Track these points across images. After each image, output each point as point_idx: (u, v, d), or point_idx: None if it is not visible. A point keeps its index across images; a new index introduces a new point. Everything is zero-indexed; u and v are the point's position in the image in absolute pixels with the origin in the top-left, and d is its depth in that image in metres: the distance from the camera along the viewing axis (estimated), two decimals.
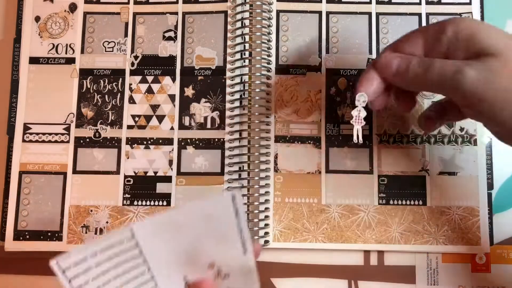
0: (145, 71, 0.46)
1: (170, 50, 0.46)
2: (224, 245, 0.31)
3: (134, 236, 0.29)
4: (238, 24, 0.45)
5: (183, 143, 0.45)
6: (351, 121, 0.36)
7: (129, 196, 0.44)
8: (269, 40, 0.45)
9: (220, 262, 0.31)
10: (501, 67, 0.29)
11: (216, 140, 0.44)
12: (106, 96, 0.46)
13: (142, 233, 0.29)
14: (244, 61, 0.45)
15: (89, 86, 0.46)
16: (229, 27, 0.46)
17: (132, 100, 0.45)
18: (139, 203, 0.44)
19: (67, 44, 0.46)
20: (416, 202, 0.43)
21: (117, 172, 0.44)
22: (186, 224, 0.30)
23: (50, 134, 0.45)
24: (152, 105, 0.45)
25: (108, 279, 0.30)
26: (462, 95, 0.30)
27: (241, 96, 0.44)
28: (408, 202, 0.43)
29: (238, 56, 0.45)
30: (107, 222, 0.44)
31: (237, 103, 0.44)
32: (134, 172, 0.44)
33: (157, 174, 0.44)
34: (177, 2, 0.46)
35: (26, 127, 0.45)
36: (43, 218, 0.44)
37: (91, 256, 0.28)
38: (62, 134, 0.45)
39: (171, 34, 0.46)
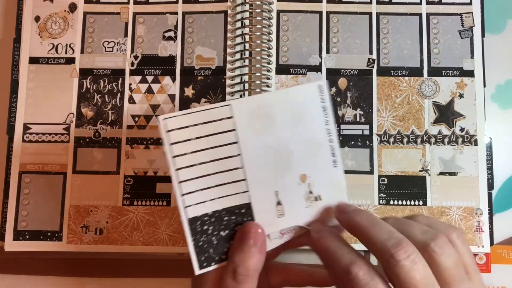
0: (145, 71, 0.46)
1: (170, 50, 0.46)
2: (313, 154, 0.30)
3: (233, 114, 0.29)
4: (238, 24, 0.45)
5: None
6: None
7: (129, 196, 0.44)
8: (269, 40, 0.45)
9: (311, 174, 0.30)
10: None
11: None
12: (106, 96, 0.45)
13: (239, 113, 0.29)
14: (244, 61, 0.45)
15: (89, 86, 0.46)
16: (229, 27, 0.46)
17: (132, 100, 0.45)
18: (139, 203, 0.44)
19: (67, 44, 0.46)
20: (417, 203, 0.43)
21: (117, 172, 0.44)
22: (276, 115, 0.30)
23: (50, 134, 0.45)
24: (152, 105, 0.45)
25: (203, 159, 0.29)
26: None
27: (241, 96, 0.44)
28: (408, 202, 0.43)
29: (238, 56, 0.45)
30: (107, 222, 0.44)
31: None
32: (134, 172, 0.44)
33: (157, 174, 0.44)
34: (177, 2, 0.46)
35: (26, 127, 0.45)
36: (43, 218, 0.44)
37: (193, 125, 0.29)
38: (62, 134, 0.45)
39: (171, 34, 0.46)
